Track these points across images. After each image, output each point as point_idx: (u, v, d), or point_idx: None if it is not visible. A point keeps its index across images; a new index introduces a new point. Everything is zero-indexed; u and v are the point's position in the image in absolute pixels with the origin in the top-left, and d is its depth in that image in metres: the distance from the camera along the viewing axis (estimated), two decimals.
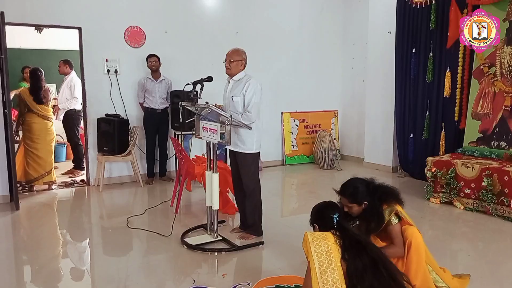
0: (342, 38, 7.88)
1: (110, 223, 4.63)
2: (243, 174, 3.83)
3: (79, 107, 6.57)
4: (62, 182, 6.14)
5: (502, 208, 4.45)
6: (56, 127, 7.36)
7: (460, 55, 5.57)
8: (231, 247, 3.67)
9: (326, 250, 2.24)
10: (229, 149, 3.92)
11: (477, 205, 4.68)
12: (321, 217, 2.49)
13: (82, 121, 6.46)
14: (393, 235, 2.67)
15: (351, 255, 2.25)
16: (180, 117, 4.08)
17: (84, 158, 6.27)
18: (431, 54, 5.98)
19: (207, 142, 3.77)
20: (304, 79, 7.58)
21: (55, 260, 3.64)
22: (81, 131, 6.71)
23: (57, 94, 6.92)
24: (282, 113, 7.47)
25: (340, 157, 7.55)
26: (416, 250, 2.61)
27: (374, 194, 2.67)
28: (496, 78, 5.13)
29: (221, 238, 3.81)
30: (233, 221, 4.50)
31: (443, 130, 5.89)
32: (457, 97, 5.67)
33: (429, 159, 5.20)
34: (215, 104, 4.04)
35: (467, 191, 4.76)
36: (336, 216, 2.42)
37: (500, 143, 5.02)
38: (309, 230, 2.50)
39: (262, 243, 3.78)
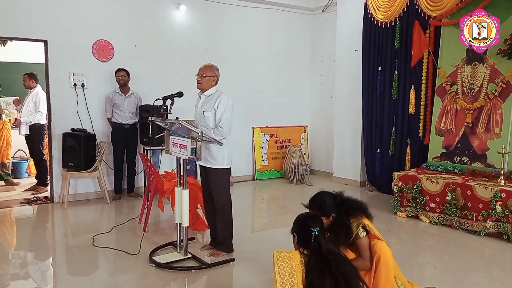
0: (311, 55, 8.04)
1: (75, 242, 4.46)
2: (213, 190, 3.80)
3: (43, 121, 6.38)
4: (24, 199, 5.91)
5: (465, 222, 4.60)
6: (19, 142, 7.15)
7: (424, 73, 5.78)
8: (201, 265, 3.61)
9: (290, 271, 2.24)
10: (200, 165, 3.89)
11: (442, 218, 4.81)
12: (302, 227, 2.43)
13: (46, 136, 6.28)
14: (361, 249, 2.71)
15: (313, 275, 2.23)
16: (150, 132, 4.03)
17: (48, 174, 6.07)
18: (396, 72, 6.18)
19: (177, 157, 3.73)
20: (274, 95, 7.66)
21: (16, 280, 3.48)
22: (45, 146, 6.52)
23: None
24: (252, 128, 7.50)
25: (310, 172, 7.62)
26: (385, 265, 2.65)
27: (341, 207, 2.71)
28: (457, 96, 5.34)
29: (191, 255, 3.74)
30: (203, 238, 4.44)
31: (409, 145, 6.05)
32: (421, 113, 5.86)
33: (395, 174, 5.32)
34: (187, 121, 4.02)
35: (432, 205, 4.90)
36: (316, 230, 2.36)
37: (463, 158, 5.21)
38: (280, 246, 2.50)
39: (233, 260, 3.74)
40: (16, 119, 6.34)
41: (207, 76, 3.75)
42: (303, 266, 2.27)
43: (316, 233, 2.34)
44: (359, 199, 2.87)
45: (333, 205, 2.70)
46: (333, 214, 2.68)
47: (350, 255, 2.75)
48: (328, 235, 2.75)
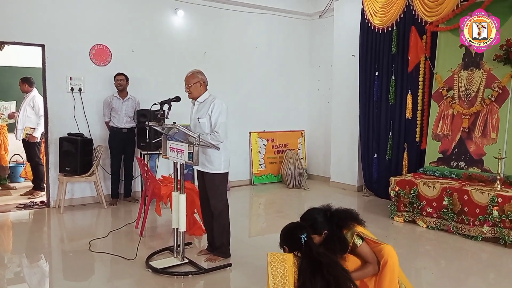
0: (308, 60, 8.06)
1: (71, 246, 4.45)
2: (210, 195, 3.80)
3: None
4: (20, 204, 5.88)
5: (462, 227, 4.60)
6: (15, 146, 7.14)
7: (421, 79, 5.80)
8: (198, 270, 3.60)
9: (282, 272, 2.27)
10: (197, 170, 3.88)
11: (439, 223, 4.82)
12: (290, 238, 2.48)
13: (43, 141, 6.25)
14: (365, 255, 2.70)
15: (304, 277, 2.26)
16: (147, 136, 4.03)
17: (45, 179, 6.04)
18: (393, 77, 6.20)
19: (174, 162, 3.73)
20: (272, 99, 7.68)
21: (12, 285, 3.46)
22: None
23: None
24: (250, 132, 7.50)
25: (307, 176, 7.62)
26: (391, 270, 2.65)
27: (332, 222, 2.70)
28: (454, 101, 5.37)
29: (187, 260, 3.73)
30: (200, 242, 4.43)
31: (406, 150, 6.07)
32: (418, 118, 5.88)
33: (392, 178, 5.33)
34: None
35: (429, 210, 4.90)
36: (304, 236, 2.42)
37: (459, 163, 5.22)
38: (277, 250, 2.49)
39: (230, 265, 3.74)
40: (29, 134, 6.31)
41: (193, 84, 3.74)
42: (296, 268, 2.30)
43: (305, 239, 2.41)
44: (347, 207, 2.85)
45: (324, 221, 2.68)
46: (325, 231, 2.66)
47: (355, 262, 2.72)
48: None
